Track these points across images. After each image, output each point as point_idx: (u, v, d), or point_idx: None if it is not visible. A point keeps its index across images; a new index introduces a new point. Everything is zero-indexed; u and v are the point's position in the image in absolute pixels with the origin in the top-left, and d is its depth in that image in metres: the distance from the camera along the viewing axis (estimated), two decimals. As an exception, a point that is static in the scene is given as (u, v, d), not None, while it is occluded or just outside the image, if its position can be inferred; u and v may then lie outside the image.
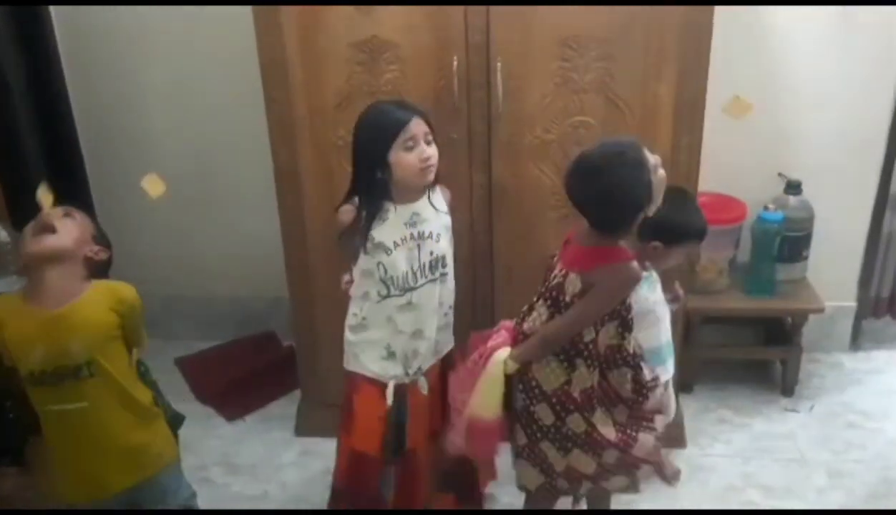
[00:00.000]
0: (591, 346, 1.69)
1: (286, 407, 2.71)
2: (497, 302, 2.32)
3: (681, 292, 2.00)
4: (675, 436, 2.41)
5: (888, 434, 2.52)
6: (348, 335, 1.96)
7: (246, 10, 2.07)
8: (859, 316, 2.95)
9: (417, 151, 1.79)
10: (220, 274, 3.04)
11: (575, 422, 1.72)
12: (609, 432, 1.74)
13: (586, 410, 1.72)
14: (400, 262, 1.85)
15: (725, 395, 2.71)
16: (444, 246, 1.90)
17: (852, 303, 2.92)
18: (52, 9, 2.70)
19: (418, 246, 1.86)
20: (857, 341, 2.98)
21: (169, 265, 3.03)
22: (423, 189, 1.87)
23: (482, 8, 2.01)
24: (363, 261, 1.87)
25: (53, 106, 2.73)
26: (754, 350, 2.86)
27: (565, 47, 2.05)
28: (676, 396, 2.42)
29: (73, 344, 1.69)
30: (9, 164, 2.50)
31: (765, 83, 2.62)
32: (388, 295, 1.87)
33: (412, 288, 1.87)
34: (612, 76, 2.07)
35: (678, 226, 1.83)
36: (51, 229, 1.69)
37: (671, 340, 1.98)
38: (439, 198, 1.92)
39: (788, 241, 2.64)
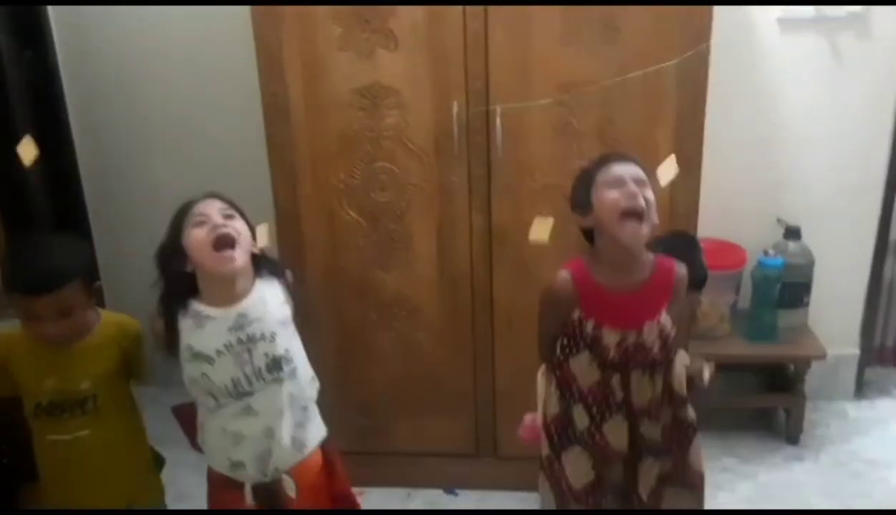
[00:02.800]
0: None
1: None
2: (497, 346, 2.31)
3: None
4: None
5: (893, 483, 2.48)
6: (197, 438, 1.75)
7: (251, 53, 2.10)
8: (862, 364, 2.93)
9: (202, 229, 1.57)
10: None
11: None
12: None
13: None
14: (227, 370, 1.61)
15: (729, 443, 2.67)
16: (281, 343, 1.65)
17: (855, 351, 2.90)
18: (57, 40, 2.75)
19: (248, 350, 1.62)
20: (861, 389, 2.95)
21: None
22: (248, 283, 1.64)
23: (482, 54, 2.05)
24: (187, 369, 1.64)
25: (55, 141, 2.75)
26: (758, 397, 2.83)
27: (563, 93, 2.08)
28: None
29: (83, 378, 1.72)
30: (12, 213, 2.51)
31: (761, 128, 2.65)
32: (218, 406, 1.64)
33: (247, 393, 1.63)
34: (611, 121, 2.09)
35: None
36: (39, 318, 1.64)
37: None
38: (274, 289, 1.69)
39: (789, 287, 2.63)
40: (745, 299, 2.71)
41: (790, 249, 2.65)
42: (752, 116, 2.63)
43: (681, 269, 1.67)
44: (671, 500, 1.75)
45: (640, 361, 1.64)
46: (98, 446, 1.76)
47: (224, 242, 1.57)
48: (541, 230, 1.79)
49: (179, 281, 1.62)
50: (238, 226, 1.61)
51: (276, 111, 2.14)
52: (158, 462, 1.96)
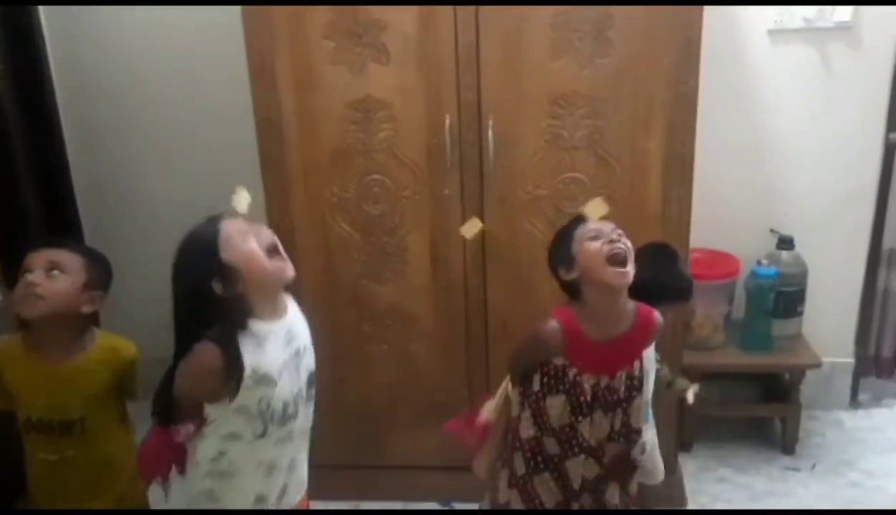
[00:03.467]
0: None
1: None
2: (492, 356, 2.30)
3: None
4: (674, 496, 2.37)
5: (890, 493, 2.47)
6: (204, 482, 1.51)
7: (244, 67, 2.11)
8: (857, 374, 2.93)
9: (257, 240, 1.48)
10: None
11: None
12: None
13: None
14: (285, 391, 1.50)
15: (725, 454, 2.67)
16: (314, 358, 1.61)
17: (850, 360, 2.90)
18: (53, 64, 2.77)
19: (297, 366, 1.54)
20: (856, 398, 2.95)
21: (162, 327, 3.01)
22: (281, 294, 1.55)
23: (473, 66, 2.06)
24: (243, 398, 1.44)
25: (51, 167, 2.76)
26: (753, 407, 2.83)
27: (555, 105, 2.09)
28: (675, 455, 2.40)
29: (71, 401, 1.71)
30: (5, 223, 2.51)
31: (753, 138, 2.67)
32: (264, 433, 1.49)
33: (293, 417, 1.53)
34: (602, 133, 2.10)
35: (660, 285, 1.82)
36: (36, 298, 1.66)
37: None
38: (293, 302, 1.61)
39: (783, 296, 2.64)
40: (739, 309, 2.71)
41: (783, 259, 2.65)
42: (743, 127, 2.64)
43: (659, 319, 1.73)
44: None
45: (605, 402, 1.69)
46: (85, 466, 1.75)
47: (275, 250, 1.51)
48: (595, 209, 1.77)
49: (235, 304, 1.45)
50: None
51: (268, 125, 2.15)
52: None
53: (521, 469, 1.77)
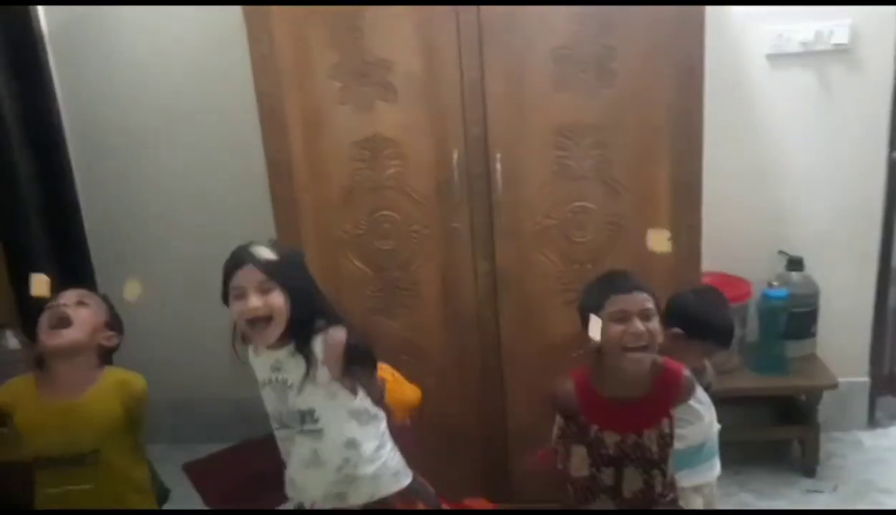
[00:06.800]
0: None
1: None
2: (506, 389, 2.30)
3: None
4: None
5: (915, 512, 2.45)
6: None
7: (253, 107, 2.15)
8: (874, 393, 2.91)
9: (240, 304, 1.62)
10: (223, 375, 3.02)
11: None
12: None
13: None
14: (270, 401, 1.73)
15: (745, 479, 2.64)
16: (308, 400, 1.68)
17: (865, 379, 2.89)
18: (60, 95, 2.81)
19: (283, 392, 1.70)
20: (873, 417, 2.93)
21: (172, 368, 3.02)
22: (287, 338, 1.68)
23: (479, 101, 2.09)
24: None
25: (60, 201, 2.81)
26: (772, 430, 2.80)
27: (561, 136, 2.11)
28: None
29: (83, 434, 1.73)
30: (20, 268, 2.53)
31: (758, 162, 2.69)
32: (279, 428, 1.76)
33: (289, 427, 1.72)
34: (609, 161, 2.12)
35: (706, 318, 1.82)
36: (67, 322, 1.71)
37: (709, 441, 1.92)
38: (318, 345, 1.68)
39: (795, 318, 2.63)
40: (751, 332, 2.71)
41: (794, 280, 2.66)
42: (747, 151, 2.66)
43: (688, 376, 1.71)
44: None
45: (636, 460, 1.68)
46: (94, 501, 1.76)
47: (257, 322, 1.63)
48: (658, 241, 1.86)
49: None
50: (272, 302, 1.62)
51: (279, 166, 2.18)
52: (164, 493, 1.98)
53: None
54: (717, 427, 1.91)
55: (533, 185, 2.15)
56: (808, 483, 2.62)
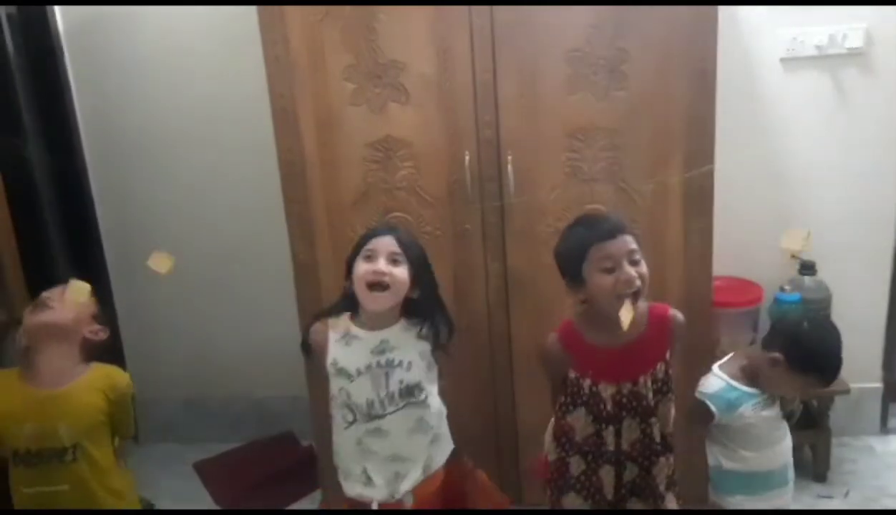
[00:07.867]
0: None
1: (307, 508, 2.66)
2: (517, 391, 2.31)
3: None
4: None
5: (927, 518, 2.44)
6: (334, 459, 1.86)
7: (266, 111, 2.16)
8: (886, 399, 2.89)
9: (368, 264, 1.71)
10: (238, 374, 3.05)
11: None
12: None
13: None
14: (363, 389, 1.74)
15: (756, 483, 2.64)
16: (416, 374, 1.77)
17: (878, 385, 2.87)
18: (76, 94, 2.84)
19: (386, 373, 1.74)
20: (886, 424, 2.91)
21: (187, 367, 3.05)
22: (395, 315, 1.77)
23: (491, 103, 2.09)
24: (330, 384, 1.79)
25: (76, 200, 2.84)
26: (782, 435, 2.79)
27: (573, 139, 2.12)
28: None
29: (63, 426, 1.71)
30: (34, 270, 2.55)
31: (769, 165, 2.68)
32: (353, 421, 1.76)
33: (379, 416, 1.75)
34: (621, 164, 2.12)
35: (816, 353, 1.75)
36: (47, 306, 1.73)
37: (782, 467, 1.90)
38: (417, 327, 1.80)
39: (808, 322, 2.62)
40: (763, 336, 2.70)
41: (806, 284, 2.64)
42: (760, 155, 2.65)
43: (675, 314, 1.68)
44: None
45: (634, 410, 1.67)
46: (77, 501, 1.74)
47: (376, 286, 1.70)
48: (793, 240, 1.82)
49: (345, 293, 1.78)
50: (397, 273, 1.71)
51: (291, 167, 2.19)
52: (146, 507, 1.97)
53: (552, 493, 1.77)
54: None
55: (545, 187, 2.16)
56: (819, 488, 2.61)
